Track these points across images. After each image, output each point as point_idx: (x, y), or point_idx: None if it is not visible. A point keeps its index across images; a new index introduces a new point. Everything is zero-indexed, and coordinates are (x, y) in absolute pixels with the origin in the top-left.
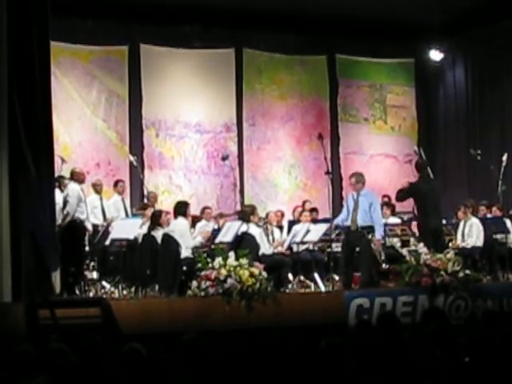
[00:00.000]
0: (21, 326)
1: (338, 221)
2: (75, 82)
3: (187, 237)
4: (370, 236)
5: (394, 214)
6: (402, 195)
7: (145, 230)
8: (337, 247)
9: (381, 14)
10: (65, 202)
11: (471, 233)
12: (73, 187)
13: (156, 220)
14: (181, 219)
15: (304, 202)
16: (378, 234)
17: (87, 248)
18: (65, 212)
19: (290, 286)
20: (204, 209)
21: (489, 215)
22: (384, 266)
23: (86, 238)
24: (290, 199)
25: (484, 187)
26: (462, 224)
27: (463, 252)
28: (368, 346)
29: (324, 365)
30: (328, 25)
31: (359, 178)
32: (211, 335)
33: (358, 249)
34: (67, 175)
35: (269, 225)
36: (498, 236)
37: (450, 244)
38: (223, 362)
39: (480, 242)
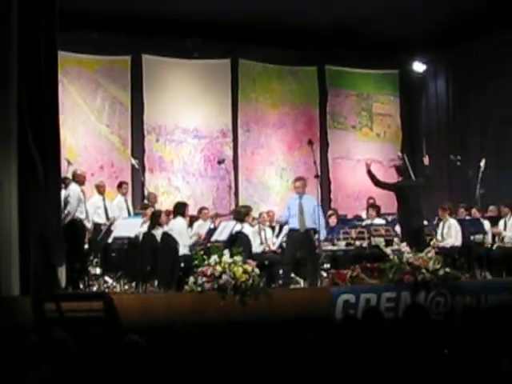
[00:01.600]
0: (28, 318)
1: (284, 218)
2: (81, 89)
3: (185, 235)
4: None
5: (379, 215)
6: (382, 183)
7: (145, 228)
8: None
9: (368, 27)
10: (66, 203)
11: (450, 233)
12: (74, 188)
13: (156, 219)
14: (179, 219)
15: None
16: (322, 235)
17: (86, 246)
18: (66, 212)
19: (280, 281)
20: (201, 209)
21: (468, 217)
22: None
23: (86, 236)
24: (282, 201)
25: (463, 191)
26: (441, 225)
27: (443, 251)
28: (353, 339)
29: (310, 357)
30: (318, 37)
31: (304, 183)
32: (207, 329)
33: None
34: None
35: (261, 224)
36: (476, 237)
37: (431, 243)
38: (218, 355)
39: (458, 242)
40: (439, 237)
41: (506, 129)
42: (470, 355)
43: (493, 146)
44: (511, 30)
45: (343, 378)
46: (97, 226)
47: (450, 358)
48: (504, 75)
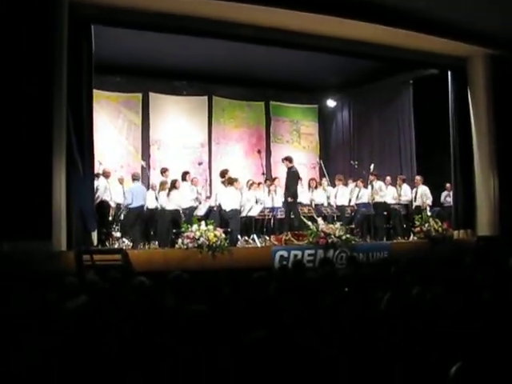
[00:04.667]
0: (72, 266)
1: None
2: (109, 114)
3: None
4: None
5: None
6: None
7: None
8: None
9: (296, 77)
10: (97, 189)
11: (343, 195)
12: (102, 180)
13: (172, 185)
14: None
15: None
16: None
17: (110, 218)
18: (97, 195)
19: (239, 243)
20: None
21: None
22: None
23: (110, 211)
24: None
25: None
26: (333, 190)
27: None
28: (286, 280)
29: (256, 289)
30: (266, 83)
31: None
32: (190, 273)
33: None
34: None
35: None
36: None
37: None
38: (196, 289)
39: (346, 202)
40: (333, 198)
41: (385, 144)
42: (361, 292)
43: (377, 156)
44: (388, 80)
45: (277, 302)
46: (118, 205)
47: (348, 293)
48: (384, 108)
